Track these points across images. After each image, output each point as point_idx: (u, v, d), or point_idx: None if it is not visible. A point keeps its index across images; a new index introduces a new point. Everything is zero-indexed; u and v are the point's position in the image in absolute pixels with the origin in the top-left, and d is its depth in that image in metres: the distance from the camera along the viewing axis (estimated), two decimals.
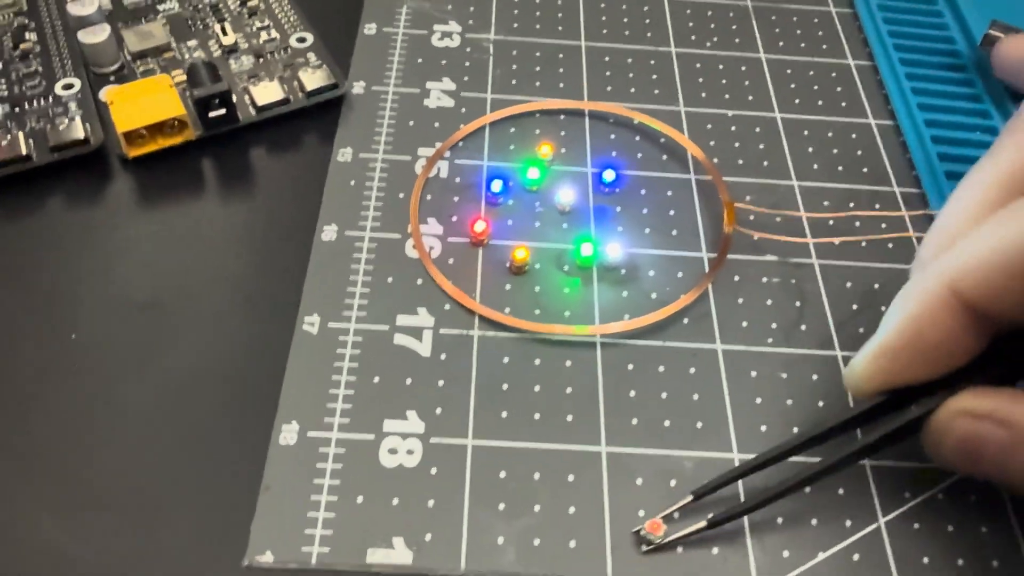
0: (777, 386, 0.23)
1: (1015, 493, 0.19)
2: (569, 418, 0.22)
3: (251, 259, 0.25)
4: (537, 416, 0.22)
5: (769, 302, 0.25)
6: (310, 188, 0.27)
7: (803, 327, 0.24)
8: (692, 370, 0.23)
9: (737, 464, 0.22)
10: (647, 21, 0.33)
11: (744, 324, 0.24)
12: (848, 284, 0.26)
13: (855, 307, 0.25)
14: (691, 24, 0.33)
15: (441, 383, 0.23)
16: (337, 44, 0.31)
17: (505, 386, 0.23)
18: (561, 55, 0.31)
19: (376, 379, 0.22)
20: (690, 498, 0.20)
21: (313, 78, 0.29)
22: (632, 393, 0.23)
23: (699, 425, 0.22)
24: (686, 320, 0.24)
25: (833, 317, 0.25)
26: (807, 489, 0.21)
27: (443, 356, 0.23)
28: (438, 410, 0.22)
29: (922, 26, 0.33)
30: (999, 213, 0.19)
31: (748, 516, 0.21)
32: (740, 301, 0.25)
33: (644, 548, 0.20)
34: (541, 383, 0.23)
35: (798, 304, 0.25)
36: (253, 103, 0.28)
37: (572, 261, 0.25)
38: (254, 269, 0.25)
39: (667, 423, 0.22)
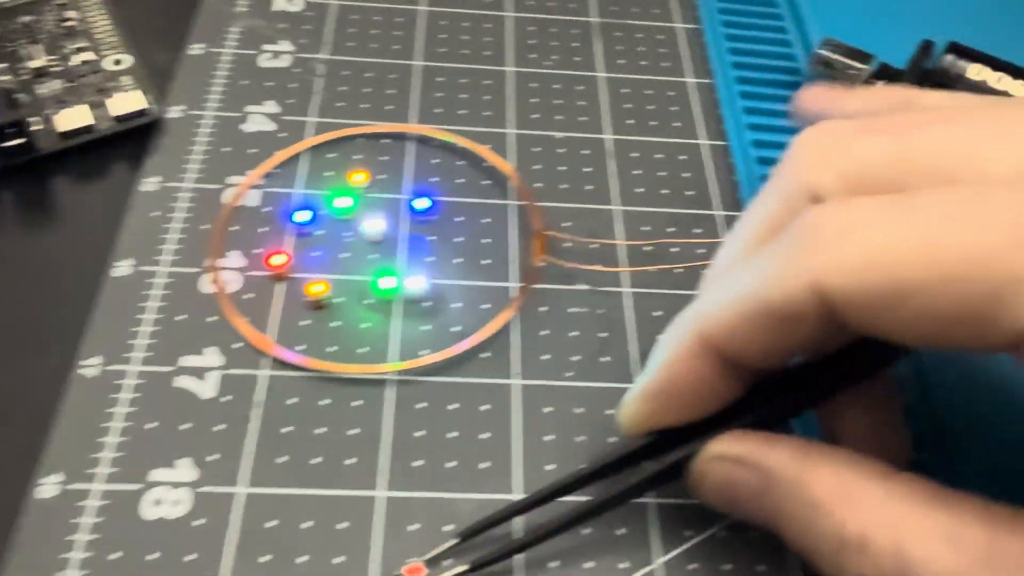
0: (570, 422, 0.23)
1: (775, 533, 0.19)
2: (349, 461, 0.22)
3: (35, 297, 0.24)
4: (316, 460, 0.22)
5: (574, 334, 0.25)
6: (110, 220, 0.26)
7: (605, 359, 0.24)
8: (485, 407, 0.23)
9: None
10: (488, 39, 0.32)
11: (545, 357, 0.24)
12: (657, 313, 0.25)
13: (657, 337, 0.25)
14: (533, 42, 0.32)
15: (221, 427, 0.22)
16: (161, 66, 0.30)
17: (288, 429, 0.22)
18: (394, 75, 0.31)
19: (151, 425, 0.22)
20: (456, 540, 0.20)
21: (124, 103, 0.28)
22: (419, 433, 0.22)
23: (483, 466, 0.22)
24: (486, 354, 0.24)
25: (638, 348, 0.24)
26: (587, 529, 0.21)
27: (226, 399, 0.22)
28: (213, 456, 0.21)
29: (765, 43, 0.33)
30: (746, 259, 0.18)
31: (518, 557, 0.20)
32: (544, 333, 0.24)
33: None
34: (326, 425, 0.22)
35: (603, 335, 0.25)
36: (56, 130, 0.27)
37: (373, 295, 0.25)
38: (37, 308, 0.24)
39: (451, 464, 0.22)
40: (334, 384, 0.23)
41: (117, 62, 0.29)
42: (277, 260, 0.25)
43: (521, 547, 0.20)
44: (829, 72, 0.30)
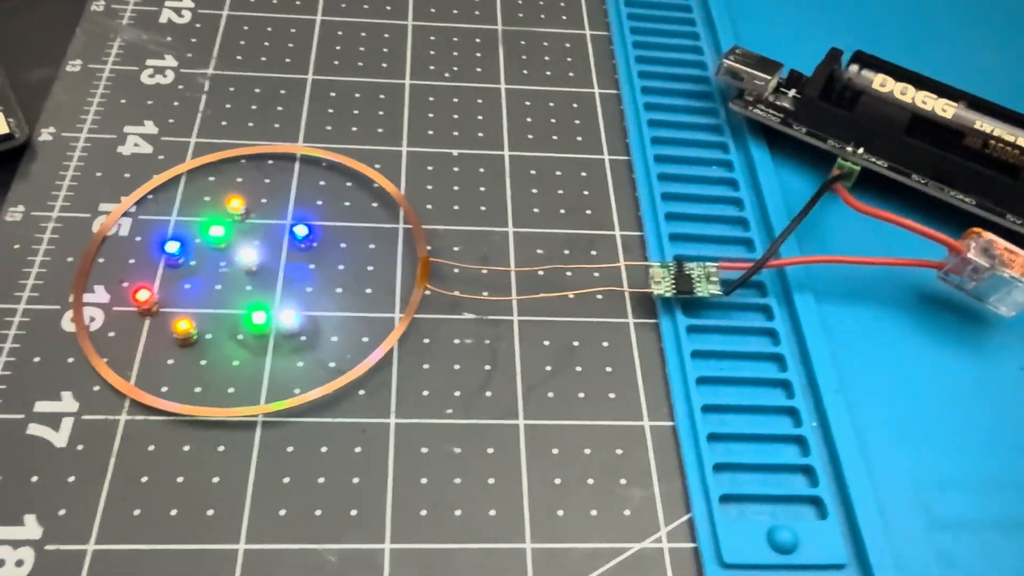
0: (448, 463, 0.22)
1: None
2: (210, 512, 0.20)
3: None
4: (174, 512, 0.20)
5: (457, 367, 0.23)
6: None
7: (488, 394, 0.23)
8: (358, 449, 0.22)
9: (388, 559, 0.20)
10: (385, 50, 0.31)
11: (425, 393, 0.23)
12: (546, 342, 0.24)
13: (548, 368, 0.24)
14: (432, 52, 0.31)
15: (72, 479, 0.21)
16: (36, 84, 0.28)
17: (144, 479, 0.21)
18: (283, 91, 0.29)
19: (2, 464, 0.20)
20: None
21: None
22: (286, 479, 0.21)
23: (354, 513, 0.21)
24: (362, 392, 0.23)
25: (523, 381, 0.23)
26: None
27: (80, 447, 0.21)
28: (61, 511, 0.20)
29: (676, 49, 0.32)
30: None
31: None
32: (425, 367, 0.23)
33: None
34: (186, 473, 0.21)
35: (487, 368, 0.24)
36: None
37: (246, 330, 0.23)
38: None
39: (319, 512, 0.21)
40: (198, 428, 0.22)
41: None
42: (142, 295, 0.23)
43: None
44: (736, 83, 0.29)
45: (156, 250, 0.25)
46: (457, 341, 0.24)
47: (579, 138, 0.29)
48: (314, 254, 0.25)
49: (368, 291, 0.25)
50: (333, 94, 0.29)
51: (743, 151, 0.29)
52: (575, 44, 0.32)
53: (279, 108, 0.29)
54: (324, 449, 0.22)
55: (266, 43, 0.31)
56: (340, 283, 0.25)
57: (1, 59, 0.28)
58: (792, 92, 0.29)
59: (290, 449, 0.22)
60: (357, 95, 0.30)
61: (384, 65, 0.31)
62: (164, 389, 0.22)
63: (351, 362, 0.23)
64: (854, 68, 0.28)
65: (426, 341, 0.24)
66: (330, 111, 0.29)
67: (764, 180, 0.28)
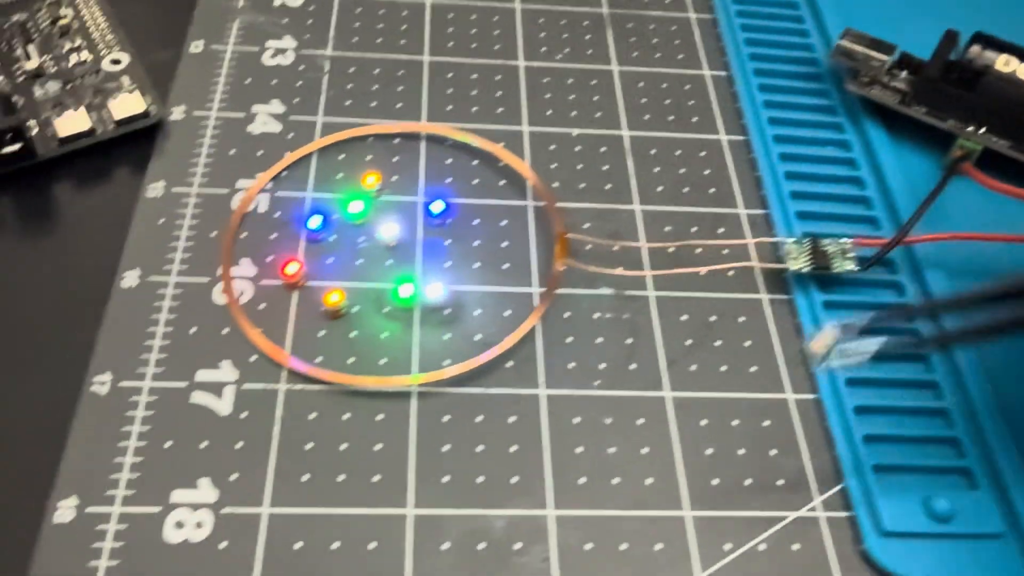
0: (601, 433, 0.22)
1: None
2: (375, 479, 0.21)
3: (43, 311, 0.23)
4: (341, 478, 0.21)
5: (599, 340, 0.24)
6: (115, 228, 0.25)
7: (633, 367, 0.23)
8: (512, 419, 0.22)
9: (553, 517, 0.20)
10: (496, 32, 0.31)
11: (571, 366, 0.23)
12: (684, 317, 0.25)
13: (688, 343, 0.24)
14: (543, 35, 0.32)
15: (240, 445, 0.21)
16: (162, 65, 0.28)
17: (310, 446, 0.21)
18: (402, 72, 0.30)
19: (168, 444, 0.21)
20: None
21: (124, 105, 0.26)
22: (446, 447, 0.21)
23: (514, 480, 0.21)
24: (510, 364, 0.23)
25: (665, 355, 0.24)
26: (623, 545, 0.20)
27: (244, 415, 0.22)
28: (234, 476, 0.21)
29: (782, 32, 0.32)
30: None
31: None
32: (569, 340, 0.24)
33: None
34: (349, 440, 0.21)
35: (629, 341, 0.24)
36: (56, 135, 0.26)
37: (392, 303, 0.24)
38: (45, 322, 0.23)
39: (480, 479, 0.21)
40: (355, 397, 0.22)
41: (115, 62, 0.28)
42: (291, 269, 0.24)
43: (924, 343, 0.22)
44: (850, 63, 0.29)
45: (297, 225, 0.25)
46: (597, 315, 0.24)
47: (694, 119, 0.30)
48: (449, 230, 0.26)
49: (505, 266, 0.25)
50: (451, 75, 0.30)
51: (859, 131, 0.29)
52: (681, 27, 0.33)
53: (399, 88, 0.29)
54: (479, 419, 0.22)
55: (379, 25, 0.31)
56: (477, 258, 0.25)
57: (126, 44, 0.29)
58: (904, 74, 0.29)
59: (446, 418, 0.22)
60: (473, 76, 0.30)
61: (496, 47, 0.31)
62: (318, 359, 0.23)
63: (495, 335, 0.23)
64: (976, 48, 0.28)
65: (567, 315, 0.24)
66: (449, 91, 0.29)
67: (884, 159, 0.28)
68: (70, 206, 0.25)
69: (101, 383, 0.22)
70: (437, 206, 0.26)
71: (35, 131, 0.26)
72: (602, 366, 0.23)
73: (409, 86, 0.29)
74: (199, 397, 0.22)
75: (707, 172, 0.28)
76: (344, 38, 0.30)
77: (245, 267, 0.24)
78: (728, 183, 0.28)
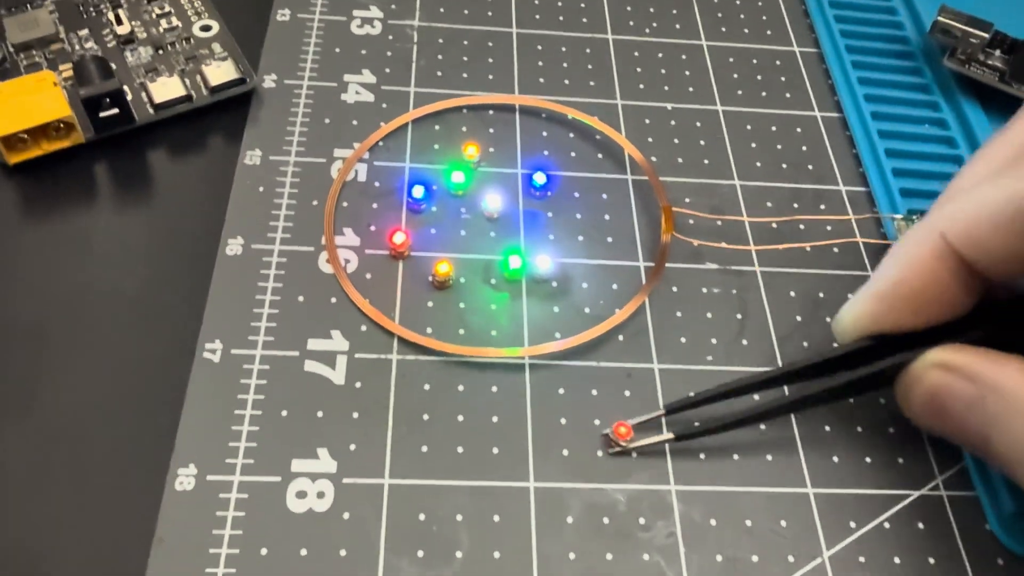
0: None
1: (973, 453, 0.20)
2: (495, 451, 0.21)
3: (147, 277, 0.23)
4: (460, 450, 0.20)
5: (709, 315, 0.23)
6: (215, 195, 0.24)
7: (744, 342, 0.23)
8: (627, 392, 0.22)
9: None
10: (582, 5, 0.31)
11: (682, 340, 0.23)
12: (792, 293, 0.24)
13: (799, 319, 0.24)
14: (629, 8, 0.31)
15: (356, 415, 0.21)
16: (247, 32, 0.28)
17: (426, 416, 0.21)
18: (490, 43, 0.29)
19: (284, 413, 0.21)
20: (662, 412, 0.21)
21: (218, 72, 0.26)
22: (563, 420, 0.21)
23: (634, 455, 0.21)
24: (621, 337, 0.23)
25: (776, 331, 0.23)
26: (749, 520, 0.20)
27: (358, 384, 0.21)
28: (352, 446, 0.20)
29: (870, 10, 0.32)
30: (999, 174, 0.19)
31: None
32: (678, 315, 0.23)
33: (610, 450, 0.21)
34: (465, 412, 0.21)
35: (739, 317, 0.24)
36: (151, 101, 0.25)
37: (500, 274, 0.23)
38: (151, 288, 0.22)
39: (599, 453, 0.21)
40: (468, 368, 0.22)
41: (205, 28, 0.27)
42: (398, 238, 0.23)
43: (722, 427, 0.21)
44: (948, 40, 0.29)
45: (398, 195, 0.25)
46: (705, 290, 0.24)
47: (787, 95, 0.29)
48: (550, 202, 0.25)
49: (609, 240, 0.25)
50: (540, 47, 0.29)
51: (955, 110, 0.29)
52: (766, 3, 0.32)
53: (490, 60, 0.29)
54: (594, 392, 0.22)
55: None
56: (580, 231, 0.25)
57: (214, 12, 0.28)
58: (998, 52, 0.29)
59: (561, 391, 0.22)
60: (563, 48, 0.29)
61: (584, 20, 0.30)
62: (429, 330, 0.22)
63: (604, 308, 0.23)
64: None
65: (675, 289, 0.24)
66: (540, 64, 0.29)
67: (983, 137, 0.27)
68: (168, 173, 0.25)
69: (212, 351, 0.21)
70: (540, 177, 0.25)
71: (130, 97, 0.25)
72: (713, 341, 0.23)
73: (499, 58, 0.29)
74: (312, 366, 0.21)
75: (804, 148, 0.28)
76: (430, 8, 0.30)
77: (348, 236, 0.24)
78: (826, 160, 0.27)
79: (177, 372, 0.21)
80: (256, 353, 0.21)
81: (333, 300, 0.23)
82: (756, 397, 0.22)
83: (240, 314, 0.22)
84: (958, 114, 0.29)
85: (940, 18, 0.29)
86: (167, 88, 0.26)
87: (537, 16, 0.30)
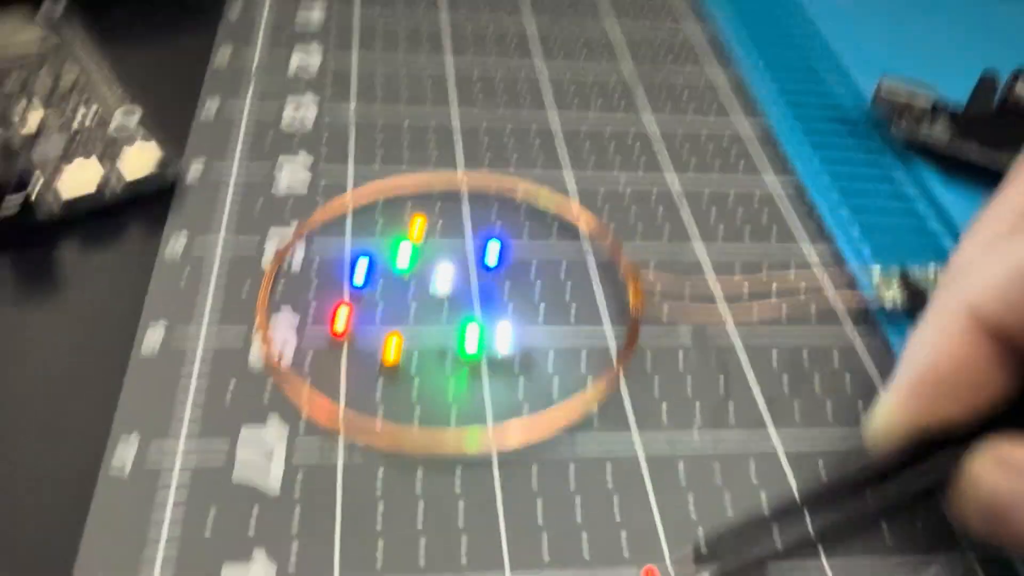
0: (709, 480, 0.19)
1: None
2: (463, 560, 0.18)
3: (48, 382, 0.20)
4: (422, 562, 0.17)
5: (689, 384, 0.21)
6: (131, 289, 0.22)
7: (731, 409, 0.21)
8: (609, 469, 0.19)
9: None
10: (523, 89, 0.30)
11: (664, 413, 0.21)
12: (774, 352, 0.22)
13: (785, 378, 0.22)
14: (571, 90, 0.30)
15: (297, 516, 0.18)
16: (172, 120, 0.26)
17: (380, 512, 0.18)
18: (432, 122, 0.28)
19: (209, 522, 0.17)
20: (693, 552, 0.17)
21: (136, 163, 0.24)
22: (539, 514, 0.18)
23: (624, 535, 0.18)
24: (597, 415, 0.20)
25: (763, 394, 0.21)
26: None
27: (298, 486, 0.18)
28: (293, 547, 0.17)
29: (812, 83, 0.32)
30: (1014, 236, 0.17)
31: None
32: (656, 385, 0.21)
33: None
34: (431, 511, 0.18)
35: (722, 381, 0.21)
36: (58, 200, 0.23)
37: (455, 352, 0.21)
38: (51, 394, 0.19)
39: (586, 555, 0.18)
40: (429, 462, 0.19)
41: (128, 113, 0.26)
42: (341, 315, 0.21)
43: (762, 560, 0.17)
44: (893, 107, 0.28)
45: (336, 276, 0.23)
46: (680, 358, 0.22)
47: (740, 165, 0.28)
48: (505, 277, 0.23)
49: (573, 310, 0.23)
50: (484, 125, 0.28)
51: (910, 171, 0.28)
52: (706, 85, 0.32)
53: (431, 139, 0.27)
54: (572, 480, 0.19)
55: (403, 82, 0.30)
56: (541, 299, 0.23)
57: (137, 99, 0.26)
58: (940, 118, 0.29)
59: (534, 483, 0.19)
60: (508, 127, 0.28)
61: (527, 101, 0.30)
62: (379, 419, 0.20)
63: (575, 384, 0.21)
64: (1022, 85, 0.27)
65: (648, 359, 0.22)
66: (485, 140, 0.28)
67: (940, 194, 0.27)
68: (79, 267, 0.22)
69: (121, 462, 0.18)
70: (493, 248, 0.23)
71: (35, 189, 0.23)
72: (697, 411, 0.21)
73: (441, 138, 0.28)
74: (244, 471, 0.18)
75: (765, 214, 0.26)
76: (367, 94, 0.29)
77: (284, 321, 0.21)
78: (788, 223, 0.26)
79: (79, 487, 0.18)
80: (175, 460, 0.18)
81: (267, 392, 0.20)
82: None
83: (156, 416, 0.19)
84: (913, 175, 0.28)
85: (884, 83, 0.29)
86: (78, 182, 0.23)
87: (478, 99, 0.29)
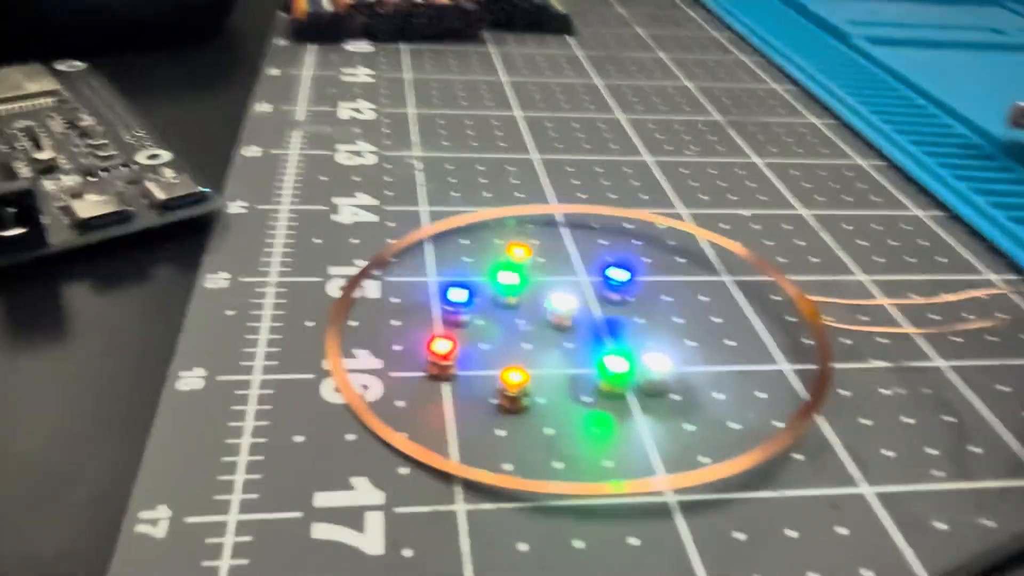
0: (980, 536, 0.14)
1: None
2: None
3: (66, 432, 0.14)
4: None
5: (910, 421, 0.16)
6: (162, 327, 0.17)
7: (974, 449, 0.15)
8: (841, 530, 0.13)
9: None
10: (607, 135, 0.26)
11: (889, 454, 0.15)
12: (1000, 387, 0.17)
13: None
14: (659, 137, 0.27)
15: None
16: (206, 168, 0.22)
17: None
18: (511, 167, 0.24)
19: None
20: None
21: (169, 188, 0.20)
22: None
23: None
24: (799, 456, 0.15)
25: (1010, 431, 0.16)
26: None
27: (407, 551, 0.12)
28: None
29: (926, 123, 0.28)
30: None
31: None
32: (863, 422, 0.16)
33: None
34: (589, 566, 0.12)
35: (951, 420, 0.16)
36: (74, 220, 0.18)
37: (594, 387, 0.16)
38: (69, 445, 0.14)
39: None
40: (583, 517, 0.13)
41: (153, 156, 0.21)
42: (441, 347, 0.16)
43: None
44: None
45: (425, 308, 0.18)
46: (886, 392, 0.17)
47: (874, 198, 0.24)
48: (635, 308, 0.18)
49: (730, 343, 0.18)
50: (570, 168, 0.24)
51: None
52: (810, 130, 0.28)
53: (513, 180, 0.23)
54: (791, 533, 0.13)
55: (470, 131, 0.26)
56: (687, 337, 0.18)
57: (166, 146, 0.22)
58: None
59: (738, 535, 0.13)
60: (598, 169, 0.24)
61: (614, 147, 0.26)
62: (508, 467, 0.14)
63: (759, 422, 0.15)
64: None
65: (844, 393, 0.16)
66: (575, 181, 0.23)
67: None
68: (99, 304, 0.17)
69: (152, 521, 0.12)
70: (619, 274, 0.18)
71: (48, 220, 0.18)
72: (931, 451, 0.15)
73: (525, 177, 0.23)
74: (326, 530, 0.13)
75: (923, 243, 0.22)
76: (431, 142, 0.25)
77: (364, 359, 0.16)
78: (954, 250, 0.22)
79: (104, 553, 0.12)
80: (229, 519, 0.13)
81: (350, 438, 0.14)
82: None
83: (202, 464, 0.13)
84: None
85: (1020, 103, 0.25)
86: (96, 204, 0.19)
87: (558, 145, 0.25)
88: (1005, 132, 0.26)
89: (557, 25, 0.35)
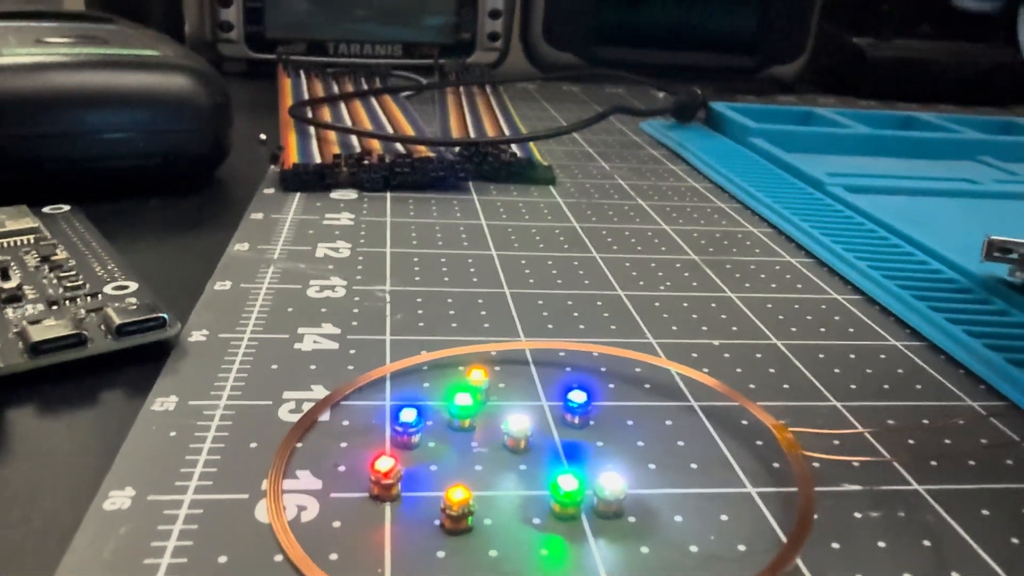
0: None
1: None
2: None
3: None
4: None
5: (881, 545, 0.15)
6: (102, 449, 0.16)
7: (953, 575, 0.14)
8: None
9: None
10: (581, 272, 0.26)
11: None
12: (983, 511, 0.16)
13: (1015, 541, 0.15)
14: (634, 274, 0.27)
15: None
16: (177, 296, 0.22)
17: None
18: (481, 300, 0.24)
19: None
20: None
21: (126, 313, 0.20)
22: None
23: None
24: None
25: (991, 557, 0.15)
26: None
27: None
28: None
29: (902, 261, 0.28)
30: None
31: None
32: (836, 547, 0.15)
33: None
34: None
35: (927, 544, 0.15)
36: (27, 344, 0.18)
37: (546, 509, 0.15)
38: None
39: None
40: None
41: (120, 288, 0.21)
42: (384, 465, 0.15)
43: None
44: (1005, 257, 0.25)
45: (376, 431, 0.17)
46: (858, 515, 0.16)
47: (850, 330, 0.24)
48: (595, 432, 0.18)
49: (693, 466, 0.17)
50: (541, 302, 0.24)
51: None
52: (783, 267, 0.28)
53: (483, 312, 0.23)
54: None
55: (444, 268, 0.26)
56: (648, 460, 0.17)
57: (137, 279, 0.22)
58: None
59: None
60: (569, 302, 0.24)
61: (587, 282, 0.26)
62: None
63: (721, 545, 0.14)
64: None
65: (816, 517, 0.15)
66: (545, 314, 0.23)
67: None
68: (36, 430, 0.17)
69: None
70: (578, 396, 0.18)
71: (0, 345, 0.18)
72: None
73: (494, 310, 0.23)
74: None
75: (900, 371, 0.21)
76: (404, 277, 0.25)
77: (305, 479, 0.15)
78: (934, 379, 0.21)
79: None
80: None
81: (278, 559, 0.13)
82: None
83: None
84: None
85: (991, 237, 0.25)
86: (49, 328, 0.19)
87: (531, 280, 0.26)
88: (980, 267, 0.26)
89: (540, 176, 0.36)
